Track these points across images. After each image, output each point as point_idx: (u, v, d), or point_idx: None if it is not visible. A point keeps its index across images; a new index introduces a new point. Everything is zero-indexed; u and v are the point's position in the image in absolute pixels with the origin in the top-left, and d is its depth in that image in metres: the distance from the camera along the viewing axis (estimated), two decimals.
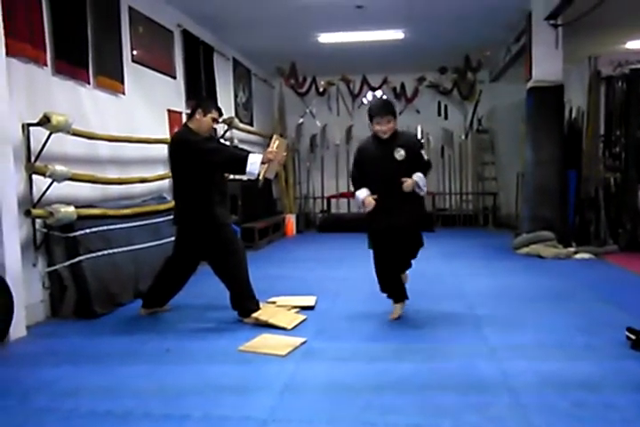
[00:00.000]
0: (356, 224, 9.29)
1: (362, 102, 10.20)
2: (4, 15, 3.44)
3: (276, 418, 2.31)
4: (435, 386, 2.61)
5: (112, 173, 4.80)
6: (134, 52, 5.38)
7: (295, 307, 4.09)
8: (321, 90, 9.98)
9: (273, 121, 10.11)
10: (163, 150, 5.40)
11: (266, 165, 3.57)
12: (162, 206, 5.13)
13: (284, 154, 3.81)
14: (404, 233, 3.70)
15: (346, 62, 9.01)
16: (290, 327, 3.59)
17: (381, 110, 3.60)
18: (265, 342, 3.28)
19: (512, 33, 7.41)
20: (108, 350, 3.22)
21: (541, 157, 6.65)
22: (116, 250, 4.31)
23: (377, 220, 3.69)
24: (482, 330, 3.50)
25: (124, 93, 5.12)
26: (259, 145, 8.98)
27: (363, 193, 3.68)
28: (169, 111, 6.06)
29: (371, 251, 3.83)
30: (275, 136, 3.78)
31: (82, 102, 4.50)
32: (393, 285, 3.81)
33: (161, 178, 5.46)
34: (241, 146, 7.32)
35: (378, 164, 3.65)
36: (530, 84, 6.74)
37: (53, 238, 3.97)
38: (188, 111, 6.27)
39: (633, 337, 3.10)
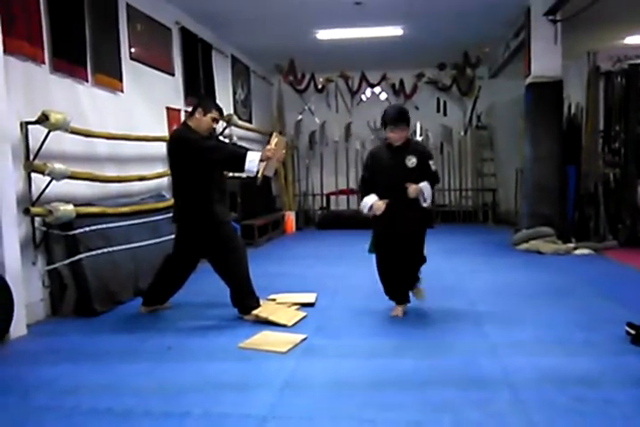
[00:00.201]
0: (355, 221, 9.32)
1: (360, 99, 10.20)
2: (1, 13, 3.43)
3: (277, 415, 2.31)
4: (435, 382, 2.61)
5: (111, 171, 4.80)
6: (132, 50, 5.36)
7: (295, 304, 4.10)
8: (320, 87, 9.96)
9: (272, 118, 10.09)
10: (161, 148, 5.40)
11: (264, 163, 3.56)
12: (161, 204, 5.13)
13: (283, 152, 3.81)
14: (407, 240, 3.71)
15: (344, 59, 9.00)
16: (290, 324, 3.59)
17: (397, 119, 3.62)
18: (265, 339, 3.28)
19: (511, 29, 7.40)
20: (109, 348, 3.22)
21: (540, 153, 6.64)
22: (115, 248, 4.30)
23: (382, 225, 3.71)
24: (482, 326, 3.50)
25: (122, 91, 5.11)
26: (258, 142, 8.97)
27: (372, 198, 3.70)
28: (167, 109, 6.05)
29: (371, 255, 3.86)
30: (274, 134, 3.77)
31: (80, 100, 4.49)
32: (395, 289, 3.82)
33: (160, 176, 5.46)
34: (240, 143, 7.31)
35: (389, 170, 3.67)
36: (529, 80, 6.74)
37: (53, 237, 3.96)
38: (187, 109, 6.28)
39: (633, 332, 3.11)
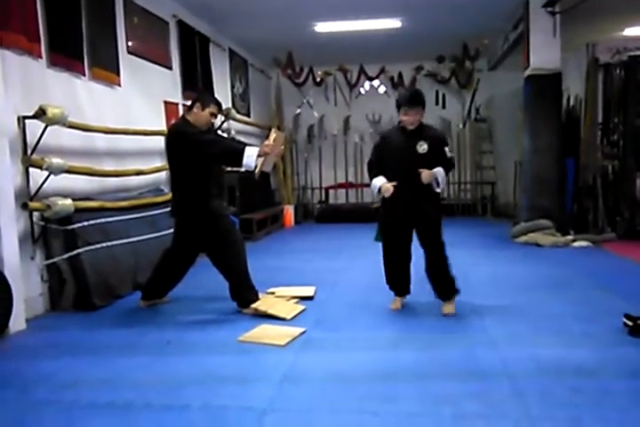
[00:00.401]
0: (354, 215, 9.34)
1: (359, 92, 10.16)
2: None
3: (276, 408, 2.32)
4: (435, 374, 2.62)
5: (109, 166, 4.79)
6: (129, 44, 5.34)
7: (294, 297, 4.10)
8: (318, 80, 9.93)
9: (270, 112, 10.07)
10: (159, 142, 5.38)
11: (262, 159, 3.55)
12: (159, 199, 5.12)
13: (282, 148, 3.79)
14: (420, 225, 3.64)
15: (343, 52, 8.96)
16: (289, 318, 3.60)
17: (412, 101, 3.52)
18: (264, 333, 3.29)
19: (510, 21, 7.37)
20: (108, 342, 3.23)
21: (539, 146, 6.64)
22: (114, 242, 4.30)
23: (392, 212, 3.66)
24: (481, 318, 3.51)
25: (119, 85, 5.09)
26: (256, 136, 8.95)
27: (380, 180, 3.62)
28: (165, 103, 6.03)
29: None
30: (273, 129, 3.76)
31: (77, 94, 4.47)
32: (398, 278, 3.80)
33: (158, 170, 5.45)
34: (238, 137, 7.30)
35: (399, 154, 3.59)
36: (527, 72, 6.72)
37: (51, 231, 3.96)
38: (185, 102, 6.26)
39: (630, 324, 3.12)
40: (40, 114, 3.69)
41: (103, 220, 4.27)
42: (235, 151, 3.55)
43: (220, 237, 3.76)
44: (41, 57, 4.04)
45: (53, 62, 4.17)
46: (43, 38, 4.06)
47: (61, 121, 3.84)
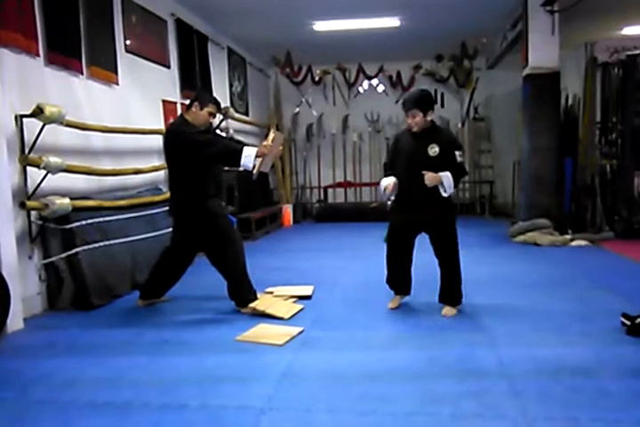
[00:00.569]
0: (353, 214, 9.34)
1: (358, 91, 10.15)
2: None
3: (274, 407, 2.32)
4: (433, 374, 2.62)
5: (107, 165, 4.78)
6: (127, 42, 5.32)
7: (292, 297, 4.10)
8: (317, 79, 9.91)
9: (269, 110, 10.06)
10: (157, 141, 5.37)
11: (260, 159, 3.54)
12: (157, 198, 5.12)
13: (281, 148, 3.79)
14: (429, 230, 3.61)
15: (341, 51, 8.95)
16: (287, 317, 3.60)
17: (407, 104, 3.51)
18: (262, 332, 3.29)
19: (508, 20, 7.36)
20: (106, 342, 3.23)
21: (537, 145, 6.64)
22: (112, 241, 4.30)
23: (400, 214, 3.65)
24: (479, 318, 3.51)
25: (117, 84, 5.08)
26: (254, 135, 8.95)
27: (386, 180, 3.59)
28: (163, 101, 6.02)
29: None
30: (271, 130, 3.75)
31: (75, 93, 4.46)
32: (398, 278, 3.80)
33: (156, 169, 5.44)
34: (237, 136, 7.28)
35: (409, 157, 3.56)
36: (526, 71, 6.71)
37: (49, 230, 3.95)
38: (183, 101, 6.25)
39: (628, 323, 3.12)
40: (38, 112, 3.68)
41: (101, 219, 4.26)
42: (233, 151, 3.55)
43: (218, 236, 3.75)
44: (38, 55, 4.03)
45: (51, 61, 4.16)
46: (40, 36, 4.05)
47: (59, 120, 3.83)
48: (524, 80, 6.78)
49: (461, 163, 3.55)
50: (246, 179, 7.31)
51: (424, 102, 3.49)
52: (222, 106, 4.83)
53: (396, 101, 9.85)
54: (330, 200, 10.20)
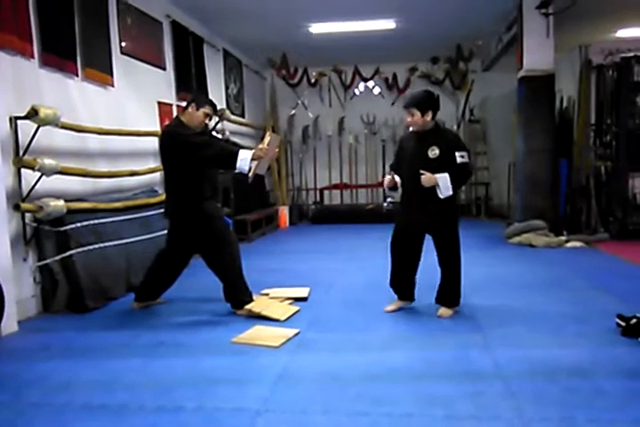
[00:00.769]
0: (349, 216, 9.34)
1: (354, 93, 10.17)
2: None
3: (269, 409, 2.31)
4: (428, 375, 2.62)
5: (102, 167, 4.77)
6: (123, 44, 5.32)
7: (288, 298, 4.10)
8: (313, 81, 9.92)
9: (265, 112, 10.06)
10: (153, 143, 5.37)
11: (256, 162, 3.54)
12: (153, 200, 5.11)
13: (277, 151, 3.79)
14: (430, 232, 3.62)
15: (337, 53, 8.96)
16: (283, 319, 3.59)
17: (405, 103, 3.55)
18: (258, 334, 3.28)
19: (503, 22, 7.40)
20: (101, 344, 3.22)
21: (533, 147, 6.66)
22: (107, 244, 4.28)
23: (402, 216, 3.66)
24: (475, 319, 3.52)
25: (113, 86, 5.07)
26: (250, 137, 8.94)
27: (387, 177, 3.66)
28: (159, 103, 6.01)
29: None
30: (267, 132, 3.74)
31: (70, 95, 4.45)
32: (401, 282, 3.78)
33: (151, 171, 5.43)
34: (233, 138, 7.29)
35: (410, 158, 3.56)
36: (521, 74, 6.74)
37: (43, 233, 3.94)
38: (179, 103, 6.25)
39: (623, 324, 3.13)
40: (32, 114, 3.67)
41: (96, 221, 4.25)
42: (228, 154, 3.54)
43: (214, 238, 3.75)
44: (33, 57, 4.02)
45: (46, 63, 4.15)
46: (35, 38, 4.04)
47: (54, 122, 3.81)
48: (519, 82, 6.81)
49: (464, 164, 3.47)
50: (242, 181, 7.31)
51: (423, 102, 3.48)
52: (218, 108, 4.83)
53: (392, 103, 9.91)
54: (326, 202, 10.20)
